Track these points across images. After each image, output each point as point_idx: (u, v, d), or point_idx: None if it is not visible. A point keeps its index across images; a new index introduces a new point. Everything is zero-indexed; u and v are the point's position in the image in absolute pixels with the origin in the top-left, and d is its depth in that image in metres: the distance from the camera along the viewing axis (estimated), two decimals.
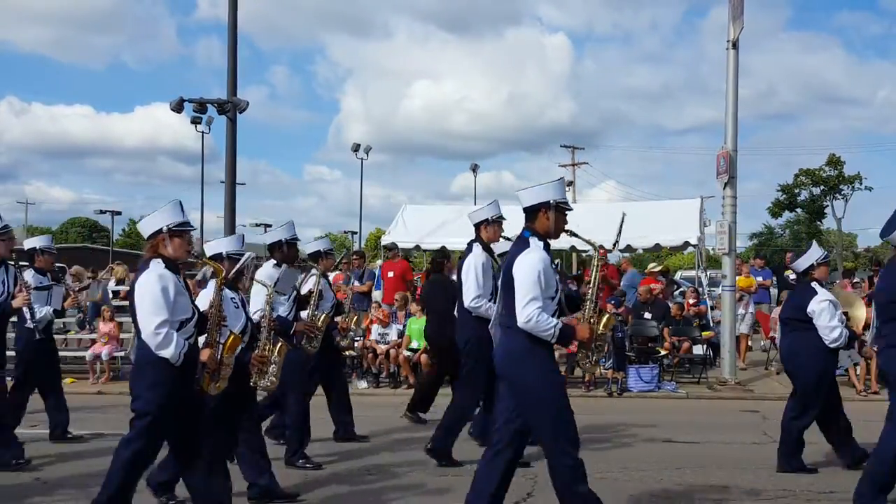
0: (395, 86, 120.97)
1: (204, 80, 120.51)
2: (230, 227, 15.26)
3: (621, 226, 5.64)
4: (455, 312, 6.98)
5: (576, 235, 4.91)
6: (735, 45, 11.86)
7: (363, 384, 11.84)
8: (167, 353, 4.41)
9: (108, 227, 44.13)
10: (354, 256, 14.76)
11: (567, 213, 4.76)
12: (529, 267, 4.47)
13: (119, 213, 44.45)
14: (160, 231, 4.61)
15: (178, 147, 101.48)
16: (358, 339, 11.94)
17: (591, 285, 4.88)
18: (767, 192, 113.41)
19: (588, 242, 5.11)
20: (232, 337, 4.85)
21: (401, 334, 11.99)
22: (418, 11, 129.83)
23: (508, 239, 7.16)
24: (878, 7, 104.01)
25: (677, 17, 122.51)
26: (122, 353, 12.62)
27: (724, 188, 12.06)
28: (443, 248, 9.85)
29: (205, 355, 4.69)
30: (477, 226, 6.82)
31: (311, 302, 6.92)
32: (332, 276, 8.43)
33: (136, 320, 4.55)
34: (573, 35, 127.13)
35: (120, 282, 14.80)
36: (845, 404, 6.80)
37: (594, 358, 5.00)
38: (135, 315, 4.55)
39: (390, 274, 13.84)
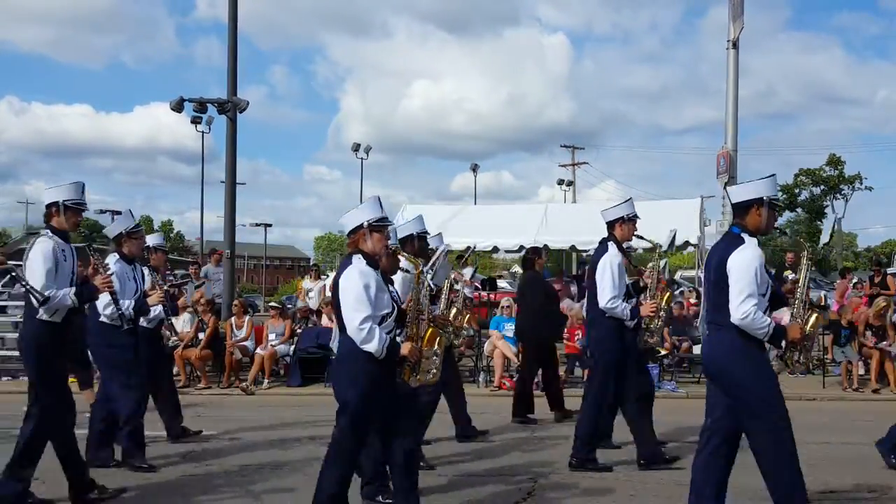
0: (394, 86, 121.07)
1: (203, 80, 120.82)
2: (230, 227, 15.27)
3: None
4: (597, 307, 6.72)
5: (785, 234, 4.94)
6: (735, 45, 11.88)
7: None
8: (371, 347, 4.53)
9: None
10: None
11: (777, 210, 4.77)
12: (747, 263, 4.48)
13: (119, 213, 44.28)
14: (361, 226, 4.73)
15: (178, 147, 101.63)
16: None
17: (801, 284, 4.91)
18: None
19: (798, 242, 5.13)
20: (430, 330, 4.97)
21: None
22: (417, 11, 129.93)
23: (641, 237, 7.11)
24: (877, 7, 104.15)
25: (676, 18, 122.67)
26: None
27: (724, 188, 12.07)
28: (538, 247, 9.81)
29: (406, 349, 4.81)
30: (611, 223, 6.65)
31: (443, 296, 6.84)
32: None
33: (338, 315, 4.69)
34: (572, 35, 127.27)
35: None
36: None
37: (802, 357, 4.98)
38: (338, 310, 4.67)
39: None
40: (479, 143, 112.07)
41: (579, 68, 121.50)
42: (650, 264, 6.99)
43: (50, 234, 5.41)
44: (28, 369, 5.53)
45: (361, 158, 40.62)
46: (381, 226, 4.75)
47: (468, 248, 13.59)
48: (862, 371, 11.44)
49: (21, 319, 6.41)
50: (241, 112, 15.24)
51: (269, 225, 35.77)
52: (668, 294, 6.91)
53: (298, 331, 12.52)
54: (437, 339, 5.48)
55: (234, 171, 15.32)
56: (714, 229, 13.12)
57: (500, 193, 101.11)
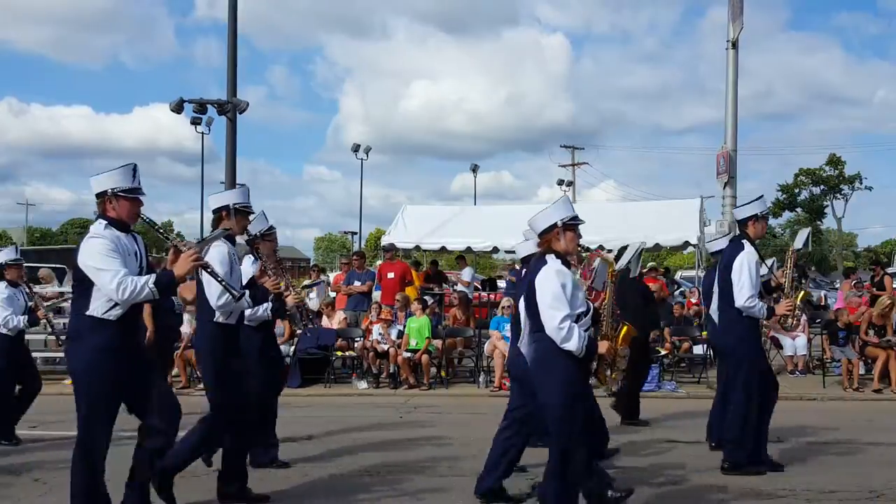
0: (393, 86, 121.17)
1: (202, 81, 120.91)
2: None
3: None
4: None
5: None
6: (735, 46, 11.88)
7: (363, 384, 11.85)
8: (571, 345, 4.52)
9: None
10: (355, 257, 14.77)
11: None
12: None
13: None
14: (554, 226, 4.73)
15: (177, 148, 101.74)
16: None
17: None
18: (765, 191, 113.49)
19: None
20: (626, 328, 5.01)
21: (401, 335, 11.99)
22: (416, 12, 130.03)
23: (774, 236, 7.03)
24: (876, 7, 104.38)
25: (675, 18, 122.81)
26: None
27: (723, 188, 12.07)
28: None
29: (604, 347, 4.83)
30: (743, 222, 6.58)
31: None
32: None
33: (533, 315, 4.69)
34: (571, 35, 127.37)
35: None
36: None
37: None
38: (534, 310, 4.68)
39: (390, 275, 13.83)
40: (478, 143, 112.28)
41: (579, 68, 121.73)
42: (786, 263, 7.02)
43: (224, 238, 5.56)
44: (204, 372, 5.68)
45: (361, 159, 40.65)
46: (573, 224, 4.75)
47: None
48: (862, 371, 11.45)
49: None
50: (240, 113, 15.23)
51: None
52: (802, 292, 6.91)
53: (298, 331, 12.50)
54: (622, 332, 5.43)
55: (233, 172, 15.32)
56: (714, 229, 13.10)
57: (500, 194, 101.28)
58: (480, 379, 11.80)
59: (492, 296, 14.91)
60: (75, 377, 4.65)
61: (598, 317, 4.91)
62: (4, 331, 7.76)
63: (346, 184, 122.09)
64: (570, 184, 46.19)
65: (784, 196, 54.57)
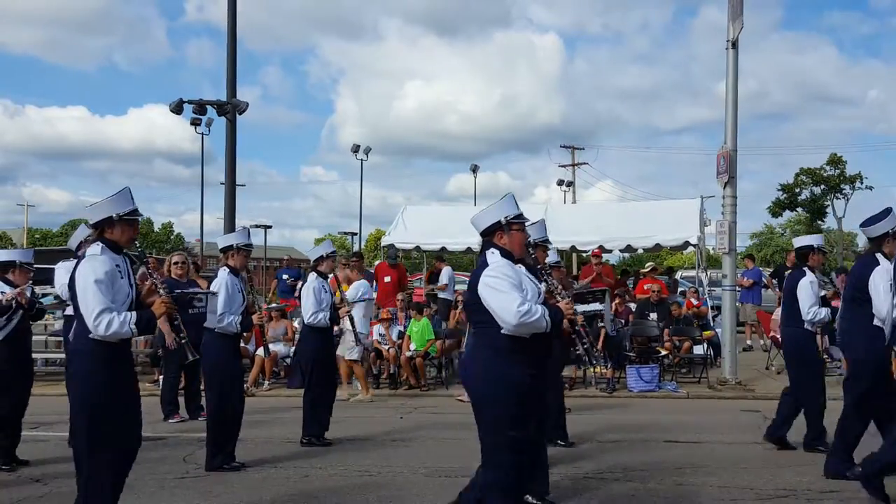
0: (387, 87, 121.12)
1: (195, 82, 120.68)
2: (230, 229, 15.26)
3: None
4: None
5: None
6: (735, 45, 11.86)
7: None
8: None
9: None
10: (353, 258, 14.72)
11: None
12: None
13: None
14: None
15: (174, 148, 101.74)
16: None
17: None
18: (766, 191, 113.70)
19: None
20: None
21: (401, 335, 11.99)
22: (408, 14, 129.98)
23: None
24: (868, 7, 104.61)
25: (668, 17, 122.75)
26: None
27: (724, 188, 12.06)
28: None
29: None
30: (878, 239, 6.38)
31: None
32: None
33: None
34: (564, 35, 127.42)
35: None
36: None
37: None
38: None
39: (387, 279, 13.76)
40: (474, 144, 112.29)
41: (572, 69, 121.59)
42: None
43: None
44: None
45: (361, 160, 40.63)
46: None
47: None
48: None
49: None
50: (240, 114, 15.23)
51: (269, 227, 35.76)
52: None
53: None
54: None
55: (233, 173, 15.32)
56: (714, 229, 13.07)
57: (497, 194, 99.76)
58: None
59: None
60: None
61: None
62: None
63: (343, 184, 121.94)
64: (570, 184, 46.12)
65: (785, 196, 54.50)
